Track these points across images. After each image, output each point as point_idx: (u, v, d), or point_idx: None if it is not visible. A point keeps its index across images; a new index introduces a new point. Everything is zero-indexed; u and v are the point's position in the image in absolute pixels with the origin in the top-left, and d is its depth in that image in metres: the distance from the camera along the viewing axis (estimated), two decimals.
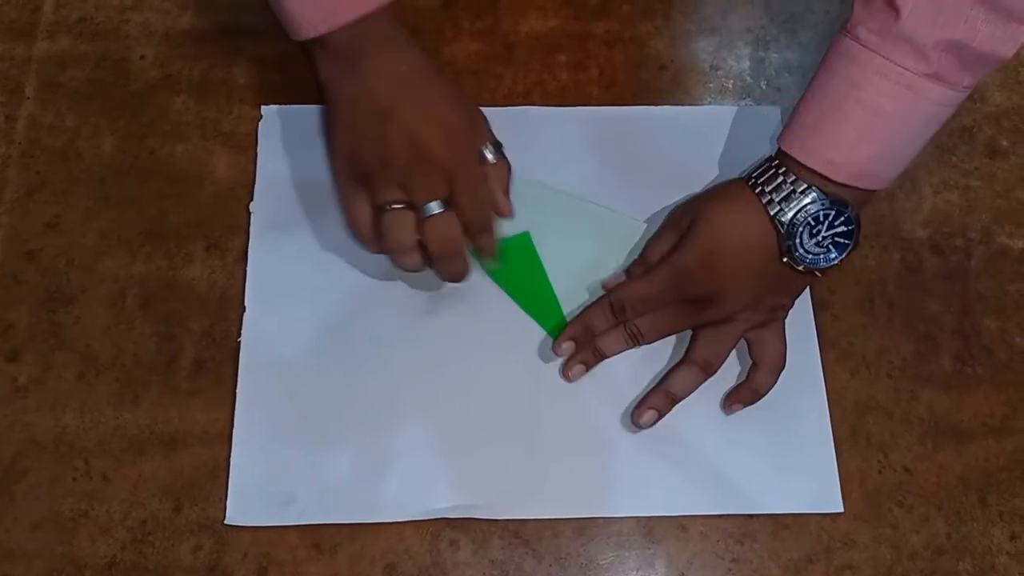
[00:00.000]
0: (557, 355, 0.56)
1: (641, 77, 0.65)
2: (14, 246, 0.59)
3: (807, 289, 0.59)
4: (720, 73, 0.66)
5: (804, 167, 0.52)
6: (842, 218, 0.52)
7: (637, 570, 0.53)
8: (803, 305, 0.59)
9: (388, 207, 0.52)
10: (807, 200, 0.52)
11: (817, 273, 0.54)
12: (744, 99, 0.65)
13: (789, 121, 0.54)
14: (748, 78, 0.65)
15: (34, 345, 0.57)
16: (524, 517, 0.54)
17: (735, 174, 0.61)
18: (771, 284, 0.55)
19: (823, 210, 0.52)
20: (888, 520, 0.54)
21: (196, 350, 0.57)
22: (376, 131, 0.51)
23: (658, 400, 0.55)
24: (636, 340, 0.56)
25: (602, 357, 0.57)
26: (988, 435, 0.56)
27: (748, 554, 0.54)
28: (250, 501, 0.53)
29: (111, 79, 0.64)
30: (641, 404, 0.55)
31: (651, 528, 0.54)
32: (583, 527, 0.54)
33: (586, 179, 0.61)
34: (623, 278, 0.58)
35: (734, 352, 0.57)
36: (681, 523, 0.54)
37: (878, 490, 0.55)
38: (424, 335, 0.57)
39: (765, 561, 0.53)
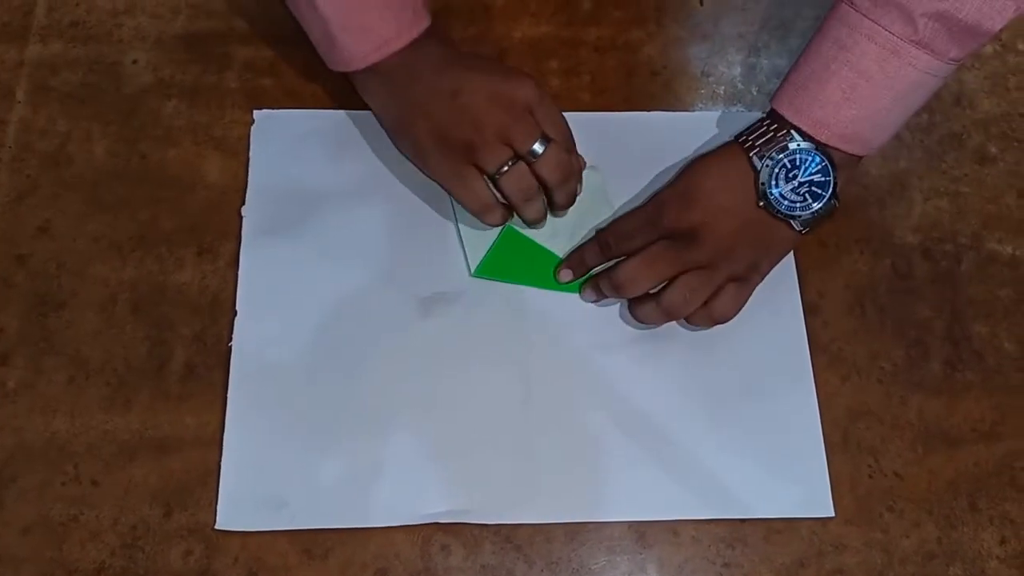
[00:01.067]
0: (560, 282, 0.59)
1: (633, 83, 0.65)
2: (4, 250, 0.59)
3: (798, 294, 0.59)
4: (711, 79, 0.66)
5: (792, 125, 0.54)
6: (819, 165, 0.54)
7: (629, 575, 0.53)
8: (794, 310, 0.59)
9: (504, 168, 0.55)
10: (785, 144, 0.54)
11: (794, 225, 0.55)
12: (735, 105, 0.65)
13: (783, 81, 0.55)
14: (739, 84, 0.66)
15: (24, 349, 0.56)
16: (516, 522, 0.54)
17: None
18: (749, 232, 0.55)
19: (800, 154, 0.54)
20: (879, 525, 0.54)
21: (187, 355, 0.57)
22: (455, 109, 0.55)
23: (631, 306, 0.58)
24: (621, 289, 0.56)
25: (598, 295, 0.58)
26: (978, 440, 0.57)
27: (739, 558, 0.54)
28: (241, 506, 0.53)
29: (103, 83, 0.64)
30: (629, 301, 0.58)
31: (643, 533, 0.54)
32: (575, 532, 0.54)
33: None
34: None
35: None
36: (673, 528, 0.54)
37: (869, 495, 0.55)
38: (416, 339, 0.57)
39: (756, 566, 0.53)
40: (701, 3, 0.68)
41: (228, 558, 0.52)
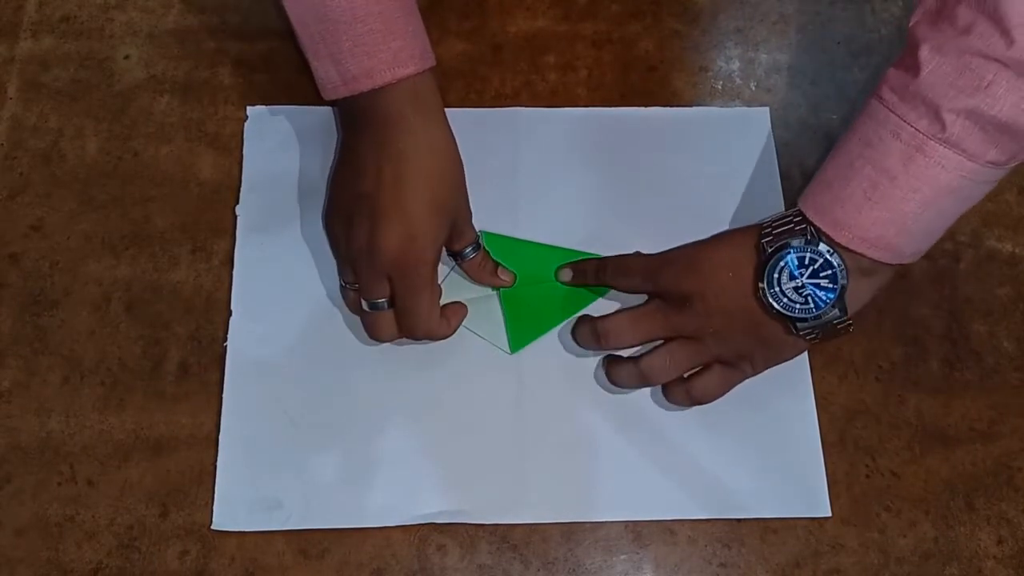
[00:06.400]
0: (561, 280, 0.58)
1: (629, 78, 0.65)
2: None
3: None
4: (709, 74, 0.65)
5: (814, 226, 0.50)
6: (829, 271, 0.50)
7: (625, 575, 0.53)
8: None
9: (346, 284, 0.56)
10: (797, 239, 0.50)
11: (794, 328, 0.51)
12: (734, 101, 0.64)
13: (812, 180, 0.52)
14: (738, 79, 0.65)
15: (17, 349, 0.56)
16: (511, 522, 0.54)
17: (723, 175, 0.62)
18: (744, 318, 0.52)
19: (812, 253, 0.50)
20: (876, 524, 0.54)
21: (182, 354, 0.56)
22: (348, 211, 0.53)
23: (606, 366, 0.56)
24: (604, 338, 0.55)
25: (576, 341, 0.57)
26: (975, 439, 0.56)
27: (736, 558, 0.54)
28: (237, 506, 0.53)
29: (95, 79, 0.63)
30: (604, 360, 0.56)
31: (639, 532, 0.54)
32: (571, 531, 0.54)
33: (574, 181, 0.61)
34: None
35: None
36: (669, 527, 0.54)
37: (865, 494, 0.55)
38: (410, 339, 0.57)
39: (753, 565, 0.53)
40: None
41: (224, 558, 0.52)
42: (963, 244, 0.61)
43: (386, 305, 0.53)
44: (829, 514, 0.54)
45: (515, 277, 0.58)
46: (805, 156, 0.62)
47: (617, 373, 0.55)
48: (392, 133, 0.52)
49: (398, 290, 0.52)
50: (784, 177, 0.62)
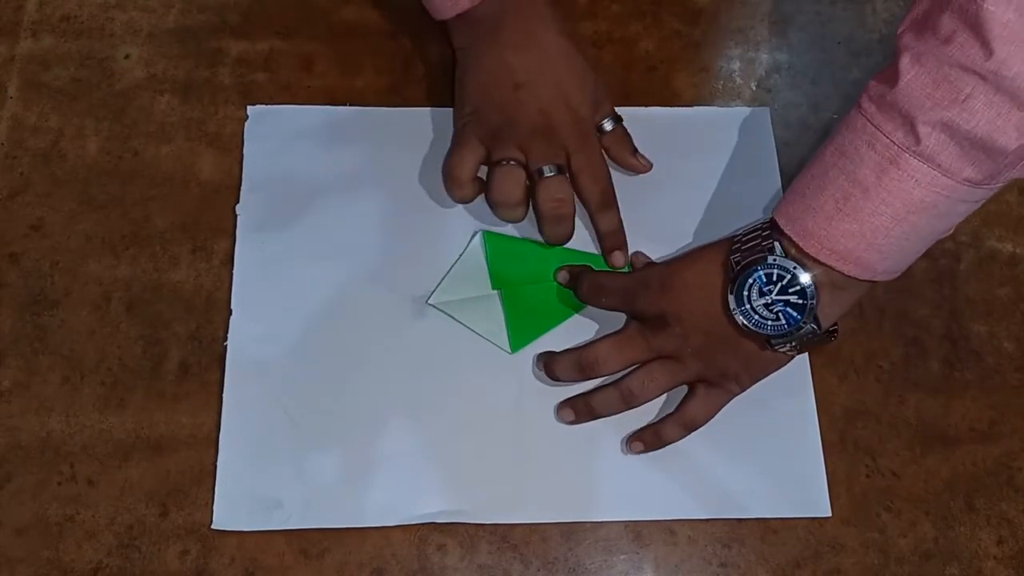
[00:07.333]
0: (561, 282, 0.58)
1: (630, 78, 0.65)
2: None
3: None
4: (709, 74, 0.65)
5: (785, 236, 0.50)
6: (798, 286, 0.49)
7: (625, 575, 0.53)
8: None
9: (505, 162, 0.56)
10: (766, 255, 0.50)
11: (767, 344, 0.51)
12: (734, 100, 0.64)
13: (788, 187, 0.51)
14: (738, 79, 0.65)
15: (18, 348, 0.56)
16: (512, 522, 0.54)
17: (723, 175, 0.62)
18: (720, 336, 0.52)
19: (778, 269, 0.49)
20: (876, 524, 0.54)
21: (182, 354, 0.56)
22: (507, 97, 0.56)
23: (579, 406, 0.55)
24: (588, 370, 0.55)
25: (555, 378, 0.56)
26: (976, 439, 0.56)
27: (736, 559, 0.54)
28: (237, 506, 0.53)
29: (95, 79, 0.63)
30: (565, 401, 0.56)
31: (639, 532, 0.54)
32: (571, 531, 0.54)
33: None
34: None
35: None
36: (669, 527, 0.54)
37: (866, 494, 0.55)
38: (411, 339, 0.57)
39: (753, 565, 0.53)
40: None
41: (225, 558, 0.52)
42: (963, 244, 0.61)
43: (555, 170, 0.56)
44: (829, 514, 0.54)
45: (652, 165, 0.61)
46: (805, 156, 0.62)
47: (598, 402, 0.55)
48: (527, 23, 0.57)
49: (580, 157, 0.57)
50: (784, 177, 0.62)
